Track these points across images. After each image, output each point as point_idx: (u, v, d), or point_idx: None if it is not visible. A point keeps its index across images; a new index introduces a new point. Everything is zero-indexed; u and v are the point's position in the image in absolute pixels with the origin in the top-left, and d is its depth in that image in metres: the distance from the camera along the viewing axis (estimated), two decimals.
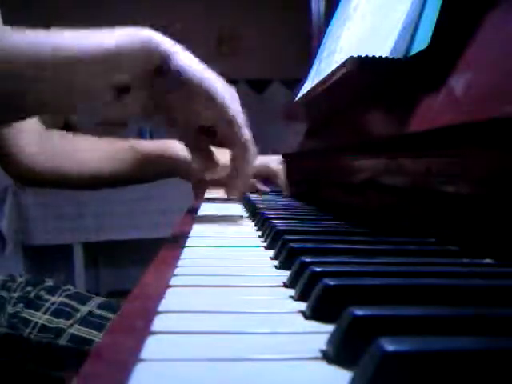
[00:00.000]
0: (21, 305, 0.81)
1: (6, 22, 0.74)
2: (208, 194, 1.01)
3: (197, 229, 0.61)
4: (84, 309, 0.81)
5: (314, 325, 0.27)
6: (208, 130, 0.62)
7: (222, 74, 0.66)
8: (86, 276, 2.66)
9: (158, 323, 0.26)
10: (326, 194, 0.93)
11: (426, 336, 0.21)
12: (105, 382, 0.21)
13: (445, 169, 0.48)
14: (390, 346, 0.18)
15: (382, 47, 0.56)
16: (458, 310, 0.24)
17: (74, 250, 2.61)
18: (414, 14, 0.52)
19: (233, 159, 0.61)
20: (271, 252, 0.45)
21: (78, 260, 2.62)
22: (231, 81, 0.65)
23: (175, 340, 0.24)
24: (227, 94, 0.61)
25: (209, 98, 0.60)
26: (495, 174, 0.40)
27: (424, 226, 0.51)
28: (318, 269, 0.31)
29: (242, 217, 0.73)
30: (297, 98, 0.98)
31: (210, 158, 0.64)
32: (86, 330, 0.78)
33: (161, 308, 0.29)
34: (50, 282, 0.88)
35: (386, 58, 0.53)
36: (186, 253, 0.45)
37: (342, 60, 0.55)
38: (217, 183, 0.93)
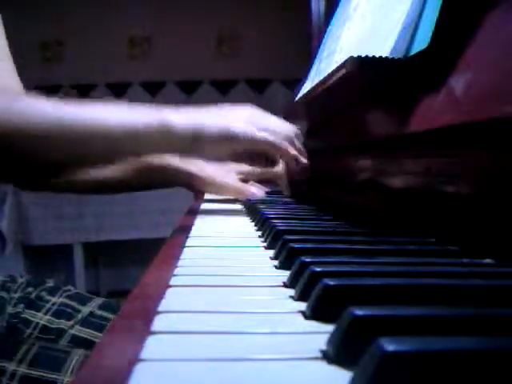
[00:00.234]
0: (21, 305, 0.80)
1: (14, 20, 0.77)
2: (208, 195, 1.01)
3: (198, 226, 0.61)
4: (85, 309, 0.81)
5: (314, 325, 0.27)
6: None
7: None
8: (85, 276, 2.66)
9: (158, 323, 0.26)
10: (326, 193, 0.93)
11: (426, 336, 0.21)
12: (105, 381, 0.21)
13: (445, 169, 0.48)
14: (390, 346, 0.18)
15: (382, 47, 0.56)
16: (458, 310, 0.24)
17: (74, 250, 2.61)
18: (414, 14, 0.52)
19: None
20: (271, 252, 0.45)
21: (78, 260, 2.62)
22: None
23: (175, 340, 0.24)
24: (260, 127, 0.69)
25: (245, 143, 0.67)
26: (495, 174, 0.40)
27: (424, 225, 0.51)
28: (318, 269, 0.31)
29: (242, 211, 0.75)
30: (297, 98, 0.98)
31: None
32: (87, 330, 0.78)
33: (161, 308, 0.29)
34: (50, 283, 0.88)
35: (386, 58, 0.52)
36: (186, 253, 0.45)
37: (342, 60, 0.55)
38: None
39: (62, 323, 0.79)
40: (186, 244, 0.49)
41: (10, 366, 0.61)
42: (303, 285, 0.31)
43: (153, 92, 2.98)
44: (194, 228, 0.60)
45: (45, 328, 0.78)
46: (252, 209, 0.77)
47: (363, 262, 0.37)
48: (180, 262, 0.41)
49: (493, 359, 0.18)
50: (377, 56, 0.53)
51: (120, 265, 2.86)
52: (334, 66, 0.61)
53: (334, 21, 0.94)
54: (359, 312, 0.22)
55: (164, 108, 0.64)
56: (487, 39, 0.42)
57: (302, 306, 0.29)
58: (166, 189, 1.07)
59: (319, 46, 1.01)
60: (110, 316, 0.81)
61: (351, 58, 0.53)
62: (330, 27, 0.97)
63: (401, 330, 0.22)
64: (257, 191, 0.85)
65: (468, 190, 0.43)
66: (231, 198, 0.92)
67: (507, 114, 0.34)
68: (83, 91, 2.97)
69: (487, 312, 0.24)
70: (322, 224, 0.60)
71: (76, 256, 2.61)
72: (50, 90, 2.81)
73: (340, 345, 0.22)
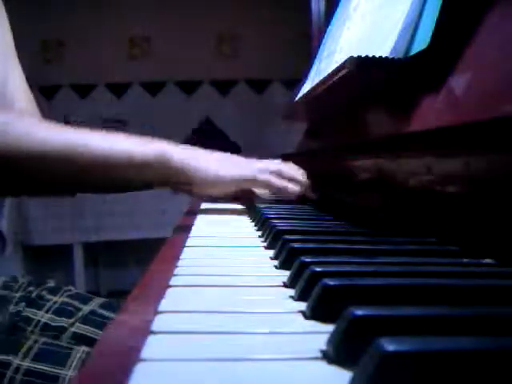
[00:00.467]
0: (23, 304, 0.81)
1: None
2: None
3: (198, 226, 0.61)
4: (86, 308, 0.82)
5: (313, 325, 0.27)
6: None
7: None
8: (85, 276, 2.66)
9: (158, 323, 0.26)
10: (325, 193, 0.93)
11: (426, 336, 0.21)
12: (105, 381, 0.21)
13: (445, 169, 0.48)
14: (390, 346, 0.18)
15: (382, 47, 0.56)
16: (458, 310, 0.24)
17: (73, 250, 2.61)
18: (414, 14, 0.52)
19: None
20: (271, 252, 0.45)
21: (78, 260, 2.62)
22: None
23: (175, 340, 0.24)
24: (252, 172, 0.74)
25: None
26: (495, 174, 0.40)
27: (424, 225, 0.51)
28: (318, 269, 0.31)
29: (242, 211, 0.77)
30: (297, 98, 0.98)
31: None
32: (88, 328, 0.78)
33: (161, 308, 0.29)
34: (51, 283, 0.88)
35: (386, 58, 0.52)
36: (186, 253, 0.45)
37: (342, 60, 0.55)
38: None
39: (63, 321, 0.79)
40: (186, 244, 0.49)
41: (15, 361, 0.62)
42: (303, 285, 0.31)
43: (153, 92, 2.98)
44: (193, 228, 0.60)
45: (46, 326, 0.79)
46: (252, 209, 0.77)
47: (363, 262, 0.36)
48: (180, 262, 0.41)
49: (493, 359, 0.18)
50: (377, 56, 0.53)
51: (120, 265, 2.86)
52: (333, 66, 0.61)
53: (334, 21, 0.94)
54: (359, 312, 0.22)
55: (163, 142, 0.67)
56: (487, 39, 0.42)
57: (302, 305, 0.29)
58: (165, 189, 1.07)
59: (319, 46, 1.01)
60: (111, 315, 0.81)
61: (351, 57, 0.53)
62: (330, 27, 0.97)
63: (401, 330, 0.22)
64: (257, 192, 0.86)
65: (468, 189, 0.43)
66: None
67: (507, 113, 0.34)
68: (83, 91, 2.97)
69: (487, 312, 0.24)
70: (322, 224, 0.60)
71: (76, 256, 2.61)
72: (50, 89, 2.82)
73: (340, 345, 0.22)
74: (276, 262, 0.41)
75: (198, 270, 0.38)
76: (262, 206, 0.77)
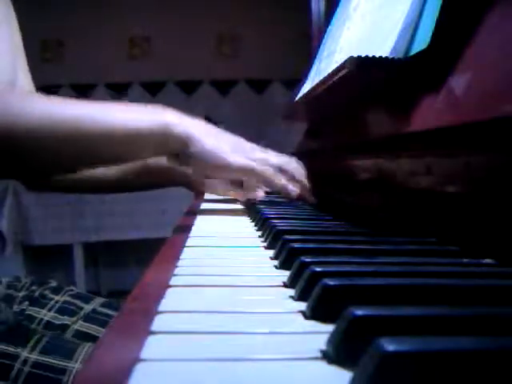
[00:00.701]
0: (26, 303, 0.82)
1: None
2: (208, 195, 1.01)
3: (198, 226, 0.61)
4: (88, 307, 0.83)
5: (313, 325, 0.27)
6: None
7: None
8: (86, 276, 2.66)
9: (158, 323, 0.26)
10: (325, 193, 0.93)
11: (426, 336, 0.21)
12: (105, 381, 0.21)
13: (444, 169, 0.48)
14: (390, 346, 0.18)
15: (382, 47, 0.56)
16: (458, 310, 0.24)
17: (73, 250, 2.61)
18: (414, 14, 0.52)
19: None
20: (271, 252, 0.45)
21: (78, 260, 2.62)
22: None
23: (175, 340, 0.24)
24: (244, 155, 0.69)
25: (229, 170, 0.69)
26: (495, 174, 0.40)
27: (424, 225, 0.51)
28: (318, 269, 0.31)
29: (242, 210, 0.75)
30: (297, 98, 0.98)
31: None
32: (91, 326, 0.79)
33: (161, 308, 0.29)
34: (53, 283, 0.89)
35: (386, 58, 0.52)
36: (186, 253, 0.45)
37: (342, 60, 0.55)
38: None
39: (66, 319, 0.80)
40: (186, 244, 0.49)
41: (23, 353, 0.63)
42: (303, 285, 0.31)
43: (153, 92, 2.98)
44: (193, 228, 0.60)
45: (49, 324, 0.79)
46: (252, 209, 0.77)
47: (363, 262, 0.36)
48: (180, 262, 0.41)
49: (493, 359, 0.18)
50: (377, 56, 0.53)
51: (120, 265, 2.86)
52: (333, 66, 0.61)
53: (334, 21, 0.94)
54: (359, 312, 0.22)
55: (165, 109, 0.64)
56: (487, 39, 0.42)
57: (302, 305, 0.29)
58: (165, 188, 1.08)
59: (319, 46, 1.01)
60: (113, 313, 0.82)
61: (351, 57, 0.53)
62: (330, 27, 0.97)
63: (401, 330, 0.22)
64: (257, 192, 0.86)
65: (468, 189, 0.43)
66: (231, 198, 0.93)
67: (507, 113, 0.34)
68: (83, 91, 2.97)
69: (487, 312, 0.24)
70: (322, 224, 0.60)
71: (76, 256, 2.61)
72: (50, 89, 2.82)
73: (340, 345, 0.22)
74: (276, 262, 0.41)
75: (198, 270, 0.38)
76: (261, 206, 0.77)
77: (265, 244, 0.50)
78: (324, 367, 0.22)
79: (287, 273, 0.36)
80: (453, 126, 0.42)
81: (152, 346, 0.23)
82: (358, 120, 0.71)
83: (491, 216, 0.40)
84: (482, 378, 0.18)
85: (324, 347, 0.23)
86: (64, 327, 0.79)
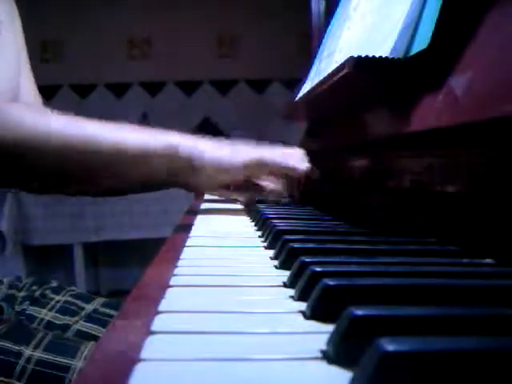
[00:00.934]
0: (26, 303, 0.82)
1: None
2: (207, 195, 1.01)
3: (198, 226, 0.61)
4: (89, 307, 0.83)
5: (313, 325, 0.27)
6: None
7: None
8: (86, 276, 2.66)
9: (158, 323, 0.26)
10: (325, 193, 0.93)
11: (426, 336, 0.21)
12: (105, 381, 0.21)
13: (445, 169, 0.48)
14: (389, 346, 0.18)
15: (382, 47, 0.56)
16: (458, 310, 0.24)
17: (74, 250, 2.61)
18: (414, 14, 0.52)
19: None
20: (271, 252, 0.45)
21: (78, 260, 2.62)
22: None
23: (175, 340, 0.24)
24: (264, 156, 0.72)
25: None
26: (495, 174, 0.40)
27: (424, 225, 0.51)
28: (318, 269, 0.31)
29: (242, 210, 0.77)
30: (297, 98, 0.98)
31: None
32: (92, 325, 0.79)
33: (161, 308, 0.29)
34: (54, 283, 0.89)
35: (386, 58, 0.52)
36: (186, 253, 0.45)
37: (342, 60, 0.55)
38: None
39: (67, 319, 0.80)
40: (186, 244, 0.49)
41: (27, 351, 0.63)
42: (303, 285, 0.31)
43: (153, 92, 2.98)
44: (194, 228, 0.60)
45: (49, 323, 0.79)
46: (252, 209, 0.77)
47: (363, 261, 0.37)
48: (180, 262, 0.41)
49: (493, 359, 0.18)
50: (377, 56, 0.53)
51: (120, 265, 2.86)
52: (333, 66, 0.61)
53: (334, 21, 0.94)
54: (359, 312, 0.22)
55: (172, 132, 0.66)
56: (487, 39, 0.42)
57: (302, 306, 0.29)
58: (165, 189, 1.08)
59: (319, 46, 1.01)
60: (114, 313, 0.82)
61: (351, 57, 0.53)
62: (329, 27, 0.97)
63: (401, 330, 0.22)
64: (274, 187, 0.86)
65: (468, 189, 0.43)
66: (230, 198, 0.93)
67: (507, 113, 0.34)
68: (83, 91, 2.97)
69: (487, 312, 0.24)
70: (322, 224, 0.60)
71: (76, 256, 2.61)
72: (50, 90, 2.82)
73: (340, 345, 0.22)
74: (276, 262, 0.41)
75: (198, 270, 0.38)
76: (262, 206, 0.77)
77: (265, 244, 0.50)
78: (324, 367, 0.22)
79: (287, 273, 0.36)
80: (453, 126, 0.42)
81: (152, 346, 0.23)
82: (358, 120, 0.71)
83: (491, 216, 0.40)
84: (482, 378, 0.18)
85: (324, 347, 0.23)
86: (65, 327, 0.79)
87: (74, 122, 0.61)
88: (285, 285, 0.35)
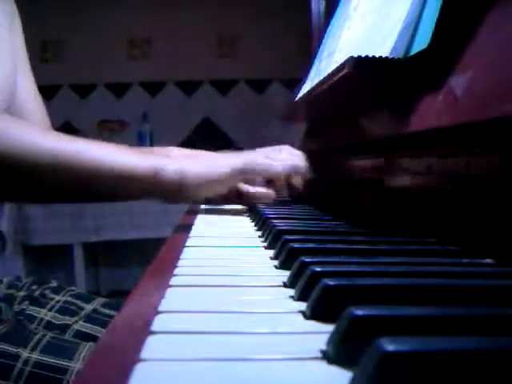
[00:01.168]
0: (26, 302, 0.82)
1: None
2: None
3: (198, 226, 0.61)
4: (88, 307, 0.83)
5: (313, 325, 0.27)
6: None
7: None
8: (86, 276, 2.66)
9: (158, 323, 0.26)
10: (325, 193, 0.93)
11: (426, 336, 0.21)
12: (105, 381, 0.21)
13: (444, 169, 0.48)
14: (389, 346, 0.18)
15: (382, 47, 0.56)
16: (458, 310, 0.24)
17: (74, 250, 2.61)
18: (414, 14, 0.52)
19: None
20: (271, 252, 0.45)
21: (78, 260, 2.61)
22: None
23: (175, 340, 0.24)
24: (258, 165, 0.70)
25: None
26: (495, 174, 0.40)
27: (424, 225, 0.51)
28: (318, 269, 0.31)
29: (242, 210, 0.77)
30: (297, 98, 0.98)
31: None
32: (91, 326, 0.79)
33: (161, 308, 0.29)
34: (54, 283, 0.89)
35: (386, 58, 0.52)
36: (186, 253, 0.45)
37: (342, 60, 0.55)
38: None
39: (66, 319, 0.80)
40: (186, 244, 0.49)
41: (24, 353, 0.63)
42: (303, 285, 0.31)
43: (153, 92, 2.98)
44: (194, 228, 0.60)
45: (49, 324, 0.79)
46: (252, 209, 0.77)
47: (363, 261, 0.36)
48: (180, 262, 0.41)
49: (493, 359, 0.18)
50: (377, 56, 0.53)
51: (120, 265, 2.86)
52: (333, 66, 0.61)
53: (334, 21, 0.94)
54: (359, 312, 0.22)
55: (154, 154, 0.64)
56: (487, 39, 0.42)
57: (302, 306, 0.29)
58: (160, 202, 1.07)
59: (319, 46, 1.01)
60: (113, 313, 0.82)
61: (351, 57, 0.53)
62: (329, 27, 0.97)
63: (401, 330, 0.22)
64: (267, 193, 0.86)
65: (468, 189, 0.43)
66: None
67: (507, 113, 0.34)
68: (83, 91, 2.97)
69: (487, 312, 0.24)
70: (322, 224, 0.60)
71: (76, 256, 2.61)
72: (50, 90, 2.82)
73: (340, 345, 0.22)
74: (276, 262, 0.41)
75: (198, 270, 0.38)
76: (261, 206, 0.77)
77: (265, 244, 0.50)
78: (324, 367, 0.22)
79: (287, 273, 0.36)
80: (453, 126, 0.42)
81: (152, 346, 0.23)
82: (357, 120, 0.71)
83: (491, 216, 0.40)
84: (482, 378, 0.18)
85: (324, 347, 0.23)
86: (64, 327, 0.79)
87: (58, 139, 0.59)
88: (285, 285, 0.35)
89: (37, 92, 0.84)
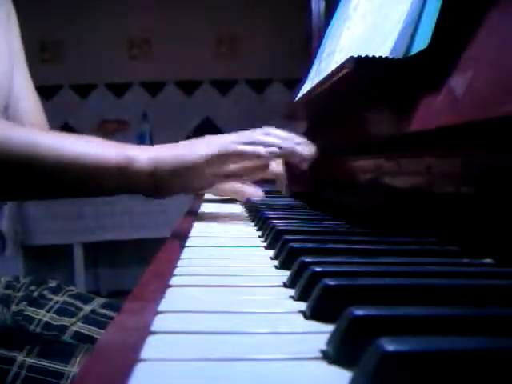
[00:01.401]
0: (24, 303, 0.81)
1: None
2: (207, 196, 1.01)
3: (198, 226, 0.61)
4: (87, 308, 0.82)
5: (313, 325, 0.27)
6: None
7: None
8: (85, 276, 2.66)
9: (158, 323, 0.26)
10: (325, 193, 0.93)
11: (426, 336, 0.21)
12: (105, 381, 0.21)
13: (444, 169, 0.48)
14: (389, 346, 0.18)
15: (382, 47, 0.56)
16: (458, 310, 0.24)
17: (74, 250, 2.61)
18: (414, 14, 0.52)
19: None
20: (271, 252, 0.45)
21: (78, 260, 2.61)
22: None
23: (175, 340, 0.24)
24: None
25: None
26: (495, 174, 0.40)
27: (424, 225, 0.51)
28: (318, 269, 0.31)
29: (242, 211, 0.75)
30: (297, 98, 0.98)
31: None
32: (90, 327, 0.79)
33: (161, 308, 0.29)
34: (53, 283, 0.89)
35: (386, 58, 0.52)
36: (186, 253, 0.45)
37: (342, 60, 0.55)
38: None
39: (65, 320, 0.79)
40: (186, 244, 0.49)
41: (19, 357, 0.62)
42: (303, 285, 0.31)
43: (153, 92, 2.98)
44: (194, 228, 0.60)
45: (47, 325, 0.79)
46: (252, 209, 0.77)
47: (363, 261, 0.36)
48: (180, 262, 0.41)
49: (493, 359, 0.18)
50: (377, 56, 0.53)
51: (120, 265, 2.86)
52: (333, 66, 0.61)
53: (334, 21, 0.94)
54: (359, 312, 0.22)
55: (128, 145, 0.62)
56: (487, 39, 0.42)
57: (302, 305, 0.29)
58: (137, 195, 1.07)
59: (319, 46, 1.01)
60: (112, 314, 0.81)
61: (351, 57, 0.53)
62: (329, 27, 0.97)
63: (401, 330, 0.22)
64: (255, 191, 0.85)
65: (468, 190, 0.43)
66: (230, 198, 0.93)
67: (507, 113, 0.34)
68: (83, 91, 2.97)
69: (487, 312, 0.24)
70: (322, 224, 0.60)
71: (76, 256, 2.61)
72: (50, 90, 2.82)
73: (340, 345, 0.22)
74: (276, 262, 0.41)
75: (198, 270, 0.38)
76: (261, 206, 0.77)
77: (265, 244, 0.50)
78: (324, 367, 0.22)
79: (287, 273, 0.36)
80: (453, 125, 0.42)
81: (152, 346, 0.23)
82: (358, 120, 0.71)
83: (491, 216, 0.40)
84: (482, 378, 0.18)
85: (324, 347, 0.23)
86: (62, 328, 0.78)
87: (22, 131, 0.59)
88: (285, 285, 0.35)
89: (34, 91, 0.84)
